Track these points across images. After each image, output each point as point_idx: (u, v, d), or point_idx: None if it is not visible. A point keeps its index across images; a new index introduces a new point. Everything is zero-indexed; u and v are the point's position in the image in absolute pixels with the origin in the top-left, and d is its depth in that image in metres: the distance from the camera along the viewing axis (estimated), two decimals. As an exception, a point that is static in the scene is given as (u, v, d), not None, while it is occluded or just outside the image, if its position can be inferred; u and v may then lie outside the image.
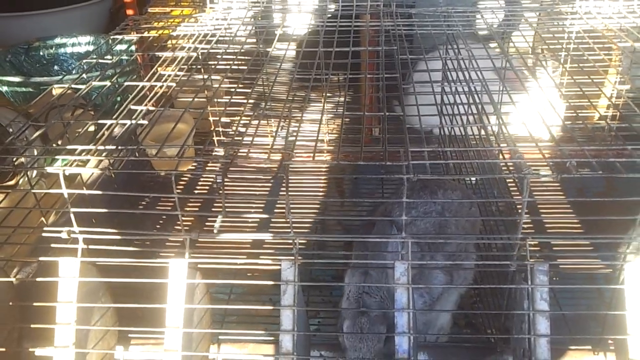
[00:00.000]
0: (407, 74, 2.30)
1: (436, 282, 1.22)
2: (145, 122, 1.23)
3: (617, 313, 1.10)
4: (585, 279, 1.55)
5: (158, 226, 1.10)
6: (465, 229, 1.32)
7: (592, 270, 1.55)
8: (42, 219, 1.28)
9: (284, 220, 1.77)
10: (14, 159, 1.18)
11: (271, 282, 1.13)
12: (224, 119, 2.10)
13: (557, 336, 1.08)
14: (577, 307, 1.52)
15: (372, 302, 1.17)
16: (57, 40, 2.94)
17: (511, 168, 1.10)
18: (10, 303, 1.18)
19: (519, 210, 1.10)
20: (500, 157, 1.19)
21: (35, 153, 1.37)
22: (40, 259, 1.14)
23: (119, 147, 1.16)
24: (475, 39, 1.64)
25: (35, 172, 1.61)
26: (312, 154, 1.14)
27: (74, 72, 2.68)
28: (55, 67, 2.94)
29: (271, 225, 1.89)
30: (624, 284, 1.08)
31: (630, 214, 1.04)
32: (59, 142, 1.19)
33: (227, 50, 1.61)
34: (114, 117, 1.24)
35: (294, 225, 1.12)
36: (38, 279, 1.14)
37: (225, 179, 1.07)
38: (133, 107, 1.26)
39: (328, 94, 1.30)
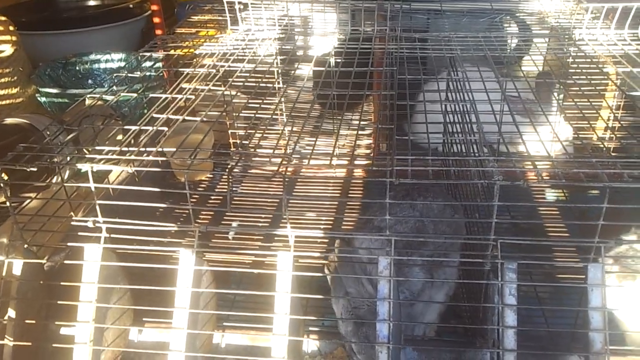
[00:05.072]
0: (415, 94, 2.44)
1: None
2: (164, 128, 1.39)
3: (581, 310, 1.20)
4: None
5: (178, 223, 1.26)
6: (444, 233, 1.43)
7: (563, 272, 1.65)
8: (72, 212, 1.45)
9: (296, 218, 1.93)
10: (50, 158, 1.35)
11: (268, 272, 1.26)
12: (242, 132, 2.25)
13: (523, 328, 1.19)
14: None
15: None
16: (92, 57, 3.18)
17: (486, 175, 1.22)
18: (41, 282, 1.34)
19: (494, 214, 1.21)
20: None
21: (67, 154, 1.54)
22: (69, 244, 1.30)
23: (146, 149, 1.31)
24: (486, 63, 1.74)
25: (67, 172, 1.79)
26: (328, 160, 1.26)
27: (105, 85, 2.89)
28: (89, 81, 3.17)
29: (281, 224, 2.02)
30: (587, 283, 1.19)
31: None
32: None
33: (256, 69, 1.75)
34: (138, 124, 1.39)
35: (291, 221, 1.26)
36: (65, 262, 1.29)
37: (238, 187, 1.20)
38: (155, 116, 1.42)
39: (338, 112, 1.42)
